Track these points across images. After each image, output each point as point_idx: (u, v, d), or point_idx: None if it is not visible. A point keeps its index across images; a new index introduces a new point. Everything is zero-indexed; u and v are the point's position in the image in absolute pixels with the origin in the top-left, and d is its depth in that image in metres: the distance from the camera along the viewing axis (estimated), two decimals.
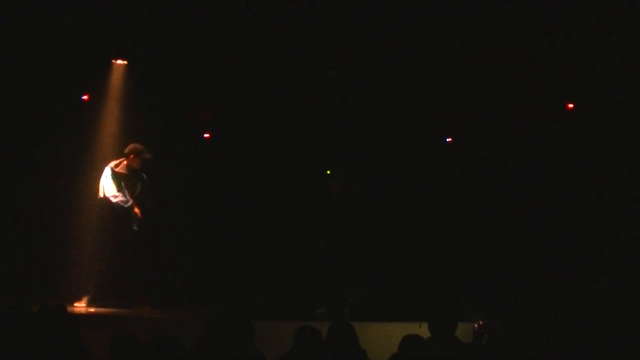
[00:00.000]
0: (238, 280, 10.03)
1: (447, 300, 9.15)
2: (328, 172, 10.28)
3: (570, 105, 10.08)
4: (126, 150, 9.05)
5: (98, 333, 7.04)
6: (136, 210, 8.93)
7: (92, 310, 8.60)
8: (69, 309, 8.11)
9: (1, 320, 5.17)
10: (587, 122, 9.87)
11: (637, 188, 9.62)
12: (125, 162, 9.03)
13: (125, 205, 8.90)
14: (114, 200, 8.90)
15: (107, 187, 8.90)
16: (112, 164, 9.03)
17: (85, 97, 9.89)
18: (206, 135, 10.65)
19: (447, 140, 10.72)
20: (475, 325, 7.52)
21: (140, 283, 9.05)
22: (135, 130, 9.70)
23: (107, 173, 8.96)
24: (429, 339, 5.84)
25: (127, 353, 4.95)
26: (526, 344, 6.64)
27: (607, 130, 9.75)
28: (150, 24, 9.26)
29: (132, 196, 9.00)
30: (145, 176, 9.11)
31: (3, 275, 9.03)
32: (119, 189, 8.92)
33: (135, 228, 8.97)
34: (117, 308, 8.78)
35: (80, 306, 8.72)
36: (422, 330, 6.17)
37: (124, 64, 9.87)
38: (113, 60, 9.84)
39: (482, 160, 10.23)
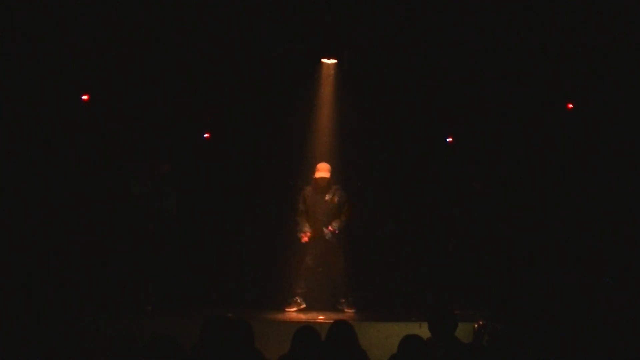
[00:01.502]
0: (239, 281, 10.04)
1: (447, 300, 9.17)
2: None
3: (570, 105, 10.08)
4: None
5: (98, 333, 7.07)
6: None
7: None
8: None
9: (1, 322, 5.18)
10: (587, 122, 9.87)
11: (637, 187, 9.62)
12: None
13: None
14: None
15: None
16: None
17: (85, 97, 9.89)
18: (206, 135, 10.64)
19: (447, 140, 10.70)
20: (475, 325, 7.52)
21: (147, 283, 9.14)
22: (136, 130, 9.78)
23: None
24: (429, 339, 5.85)
25: (127, 353, 4.96)
26: (526, 344, 6.65)
27: (607, 130, 9.74)
28: (150, 23, 9.28)
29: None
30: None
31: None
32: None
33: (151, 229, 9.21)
34: (118, 308, 8.80)
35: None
36: (422, 330, 6.17)
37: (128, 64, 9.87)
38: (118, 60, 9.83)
39: (482, 160, 10.22)
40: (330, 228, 9.36)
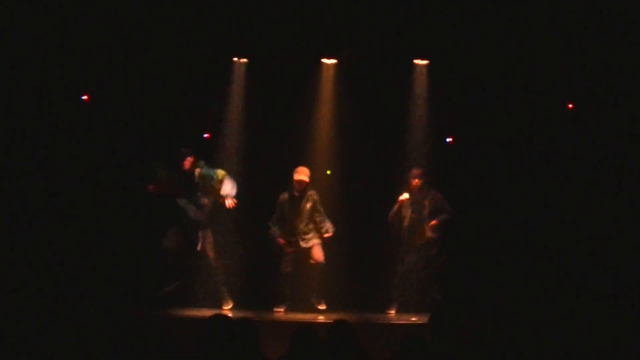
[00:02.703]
0: (239, 281, 10.05)
1: (448, 299, 9.17)
2: (328, 172, 10.28)
3: (570, 105, 10.08)
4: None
5: (98, 333, 7.06)
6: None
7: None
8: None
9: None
10: (587, 122, 9.87)
11: (637, 187, 9.62)
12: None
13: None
14: None
15: None
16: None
17: (85, 97, 9.89)
18: (206, 135, 10.64)
19: (447, 140, 10.69)
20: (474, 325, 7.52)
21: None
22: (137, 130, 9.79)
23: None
24: (429, 339, 5.85)
25: (127, 353, 4.96)
26: (523, 344, 6.65)
27: (607, 130, 9.74)
28: (151, 23, 9.29)
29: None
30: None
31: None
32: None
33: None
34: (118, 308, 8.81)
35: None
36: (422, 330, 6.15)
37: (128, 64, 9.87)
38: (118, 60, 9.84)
39: (481, 160, 10.21)
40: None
